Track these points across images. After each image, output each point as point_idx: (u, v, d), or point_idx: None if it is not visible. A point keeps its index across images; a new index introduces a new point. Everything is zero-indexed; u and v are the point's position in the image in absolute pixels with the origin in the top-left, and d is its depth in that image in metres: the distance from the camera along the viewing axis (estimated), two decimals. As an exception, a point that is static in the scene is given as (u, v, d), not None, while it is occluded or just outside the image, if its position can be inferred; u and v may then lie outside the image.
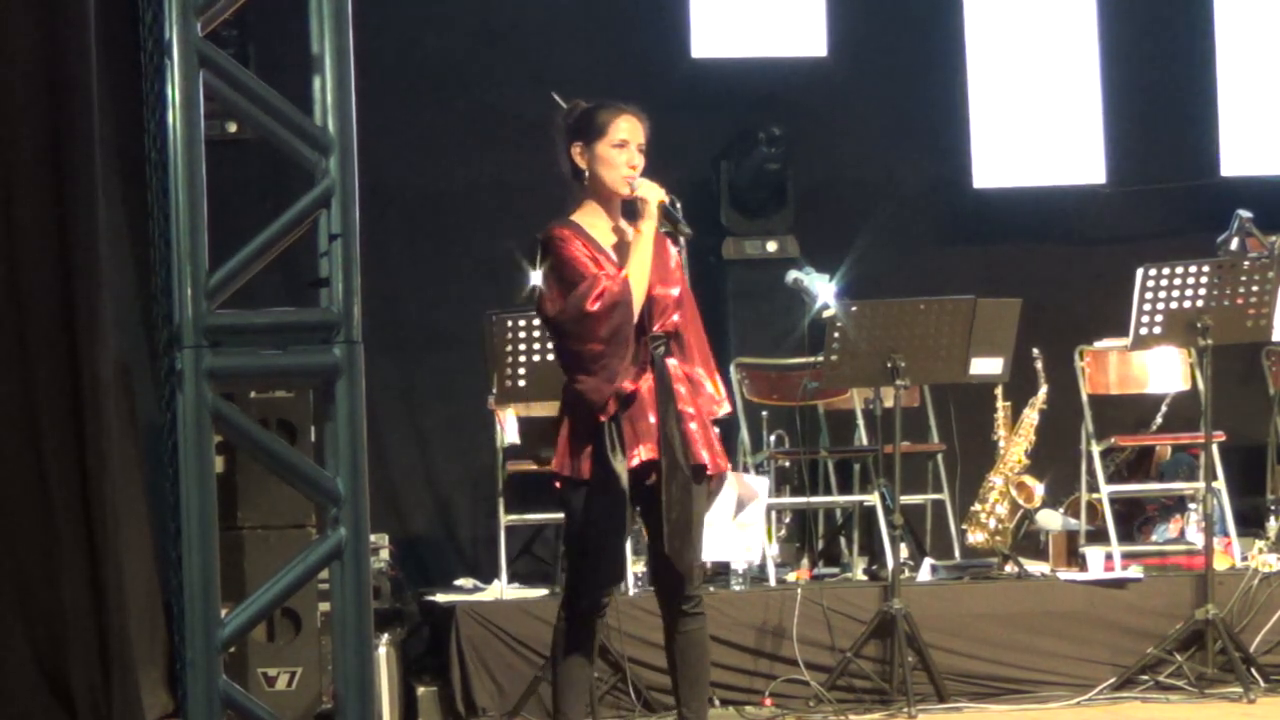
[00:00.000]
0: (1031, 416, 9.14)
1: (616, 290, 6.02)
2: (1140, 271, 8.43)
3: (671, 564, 6.07)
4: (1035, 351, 9.14)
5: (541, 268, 6.11)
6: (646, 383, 6.08)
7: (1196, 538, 9.05)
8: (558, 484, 6.19)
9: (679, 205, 6.18)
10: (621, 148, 6.16)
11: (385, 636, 7.94)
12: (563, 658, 6.19)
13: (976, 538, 9.09)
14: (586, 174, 6.19)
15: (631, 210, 6.18)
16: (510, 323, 8.28)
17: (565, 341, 6.16)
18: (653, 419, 6.05)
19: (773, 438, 9.12)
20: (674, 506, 6.02)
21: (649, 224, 6.10)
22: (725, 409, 6.30)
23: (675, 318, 6.18)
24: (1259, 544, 8.96)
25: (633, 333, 6.07)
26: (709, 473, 6.15)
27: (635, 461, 6.05)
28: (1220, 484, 8.89)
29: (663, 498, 6.01)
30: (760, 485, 6.37)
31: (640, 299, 6.06)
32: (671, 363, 6.14)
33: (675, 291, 6.19)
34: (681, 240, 6.24)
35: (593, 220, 6.20)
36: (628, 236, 6.15)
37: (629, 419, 6.06)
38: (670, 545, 6.02)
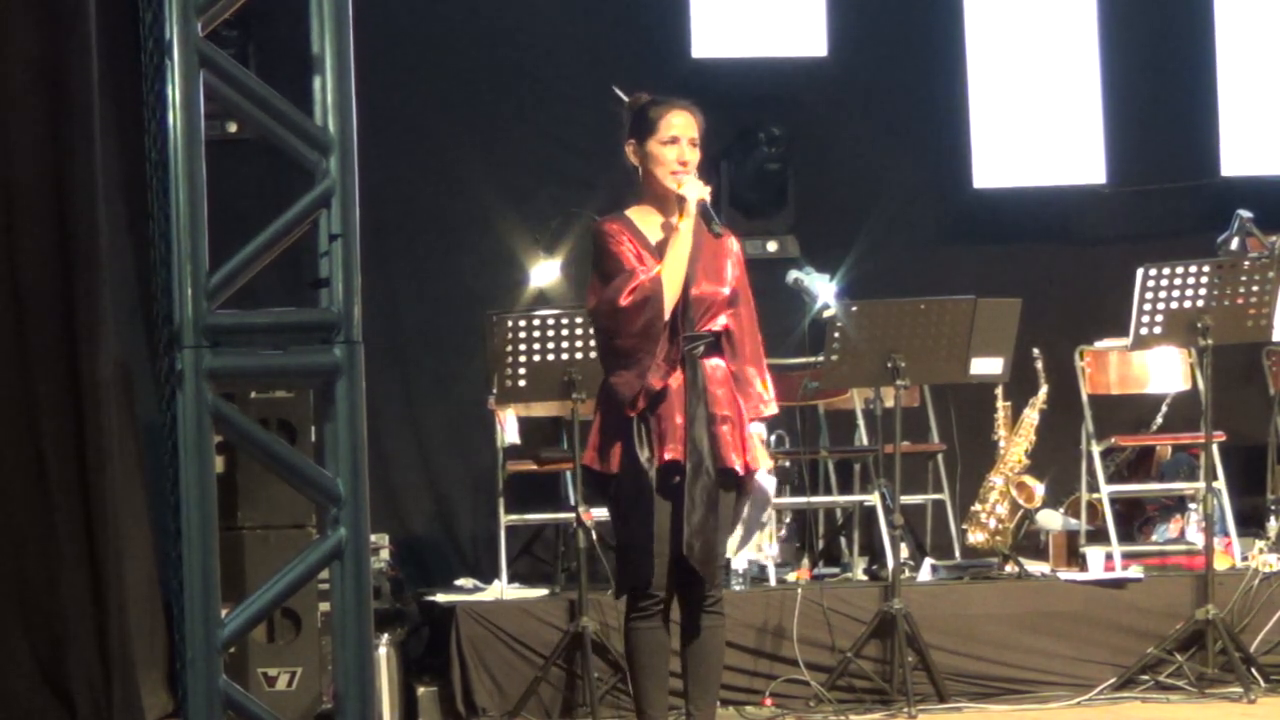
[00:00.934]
0: (1031, 416, 9.13)
1: (648, 287, 6.02)
2: (1140, 271, 8.43)
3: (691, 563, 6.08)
4: (1035, 351, 9.14)
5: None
6: (676, 381, 6.08)
7: (1196, 538, 9.04)
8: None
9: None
10: (671, 144, 6.16)
11: (385, 636, 7.93)
12: (633, 656, 6.19)
13: (976, 538, 9.08)
14: (641, 170, 6.20)
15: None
16: (510, 323, 8.27)
17: (601, 335, 6.20)
18: (679, 420, 6.06)
19: (773, 438, 9.09)
20: (696, 509, 6.02)
21: (687, 222, 6.11)
22: (769, 410, 6.27)
23: (723, 319, 6.17)
24: (1259, 544, 8.95)
25: (664, 330, 6.06)
26: (740, 475, 6.15)
27: (661, 461, 6.06)
28: (1220, 484, 8.89)
29: (685, 500, 6.02)
30: (770, 484, 6.38)
31: (674, 297, 6.06)
32: (712, 363, 6.13)
33: (726, 291, 6.18)
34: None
35: (645, 216, 6.20)
36: None
37: (657, 417, 6.07)
38: (688, 547, 6.01)
